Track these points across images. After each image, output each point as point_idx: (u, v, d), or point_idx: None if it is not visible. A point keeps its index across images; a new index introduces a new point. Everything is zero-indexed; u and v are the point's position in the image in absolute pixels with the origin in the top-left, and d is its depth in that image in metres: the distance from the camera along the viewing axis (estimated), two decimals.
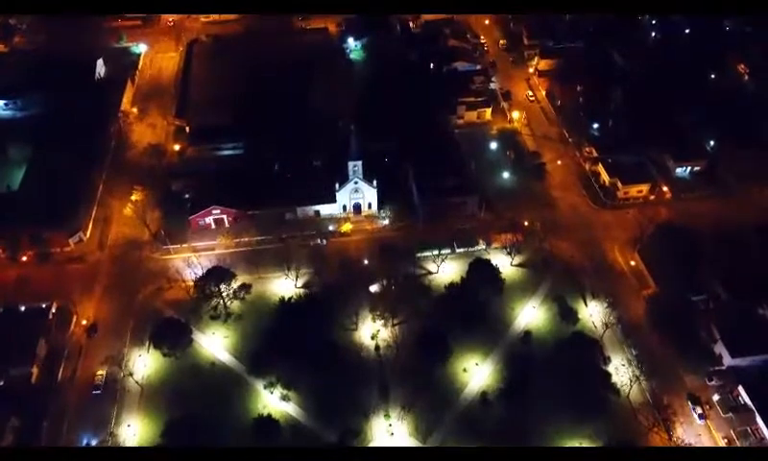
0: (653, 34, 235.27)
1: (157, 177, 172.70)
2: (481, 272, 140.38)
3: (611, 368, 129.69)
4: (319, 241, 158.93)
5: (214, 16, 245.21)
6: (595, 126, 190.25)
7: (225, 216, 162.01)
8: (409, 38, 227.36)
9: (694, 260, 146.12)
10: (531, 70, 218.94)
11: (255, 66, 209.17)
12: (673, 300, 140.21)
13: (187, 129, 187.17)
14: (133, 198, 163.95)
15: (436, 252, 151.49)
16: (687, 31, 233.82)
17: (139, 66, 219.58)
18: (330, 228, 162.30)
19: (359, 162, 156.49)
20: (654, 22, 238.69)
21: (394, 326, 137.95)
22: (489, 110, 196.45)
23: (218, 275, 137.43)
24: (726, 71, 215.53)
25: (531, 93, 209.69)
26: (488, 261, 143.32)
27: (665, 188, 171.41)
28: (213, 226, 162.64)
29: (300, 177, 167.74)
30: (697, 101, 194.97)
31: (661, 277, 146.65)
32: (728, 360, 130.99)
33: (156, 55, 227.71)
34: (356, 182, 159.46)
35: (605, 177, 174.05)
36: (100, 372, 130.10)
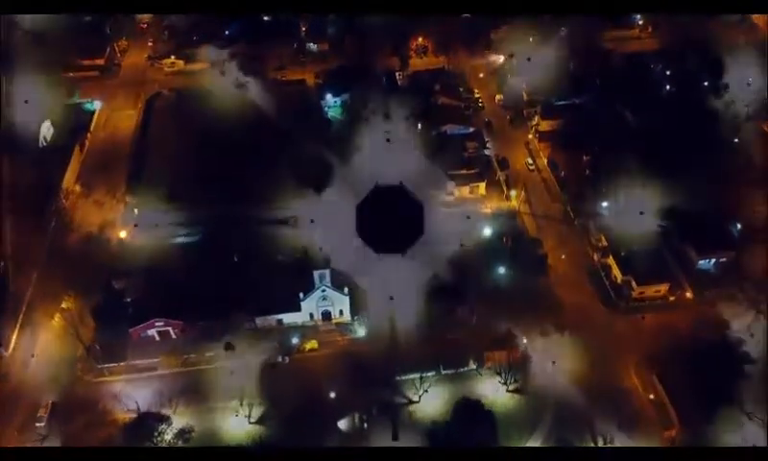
0: (667, 86, 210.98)
1: (97, 273, 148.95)
2: (470, 416, 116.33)
3: None
4: (280, 359, 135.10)
5: (180, 65, 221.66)
6: (604, 204, 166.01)
7: (170, 328, 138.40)
8: (394, 94, 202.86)
9: (724, 389, 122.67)
10: (530, 135, 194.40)
11: (221, 128, 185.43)
12: (700, 445, 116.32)
13: (135, 211, 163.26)
14: (64, 305, 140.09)
15: (418, 375, 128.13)
16: (705, 83, 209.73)
17: (92, 127, 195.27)
18: (294, 340, 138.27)
19: (326, 271, 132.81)
20: (668, 73, 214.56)
21: None
22: (483, 185, 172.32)
23: (150, 423, 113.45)
24: (750, 132, 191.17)
25: (530, 161, 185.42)
26: (477, 402, 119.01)
27: (687, 291, 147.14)
28: (158, 338, 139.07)
29: (262, 275, 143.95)
30: (720, 170, 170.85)
31: (686, 411, 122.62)
32: None
33: (111, 113, 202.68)
34: (324, 291, 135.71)
35: (617, 273, 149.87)
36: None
